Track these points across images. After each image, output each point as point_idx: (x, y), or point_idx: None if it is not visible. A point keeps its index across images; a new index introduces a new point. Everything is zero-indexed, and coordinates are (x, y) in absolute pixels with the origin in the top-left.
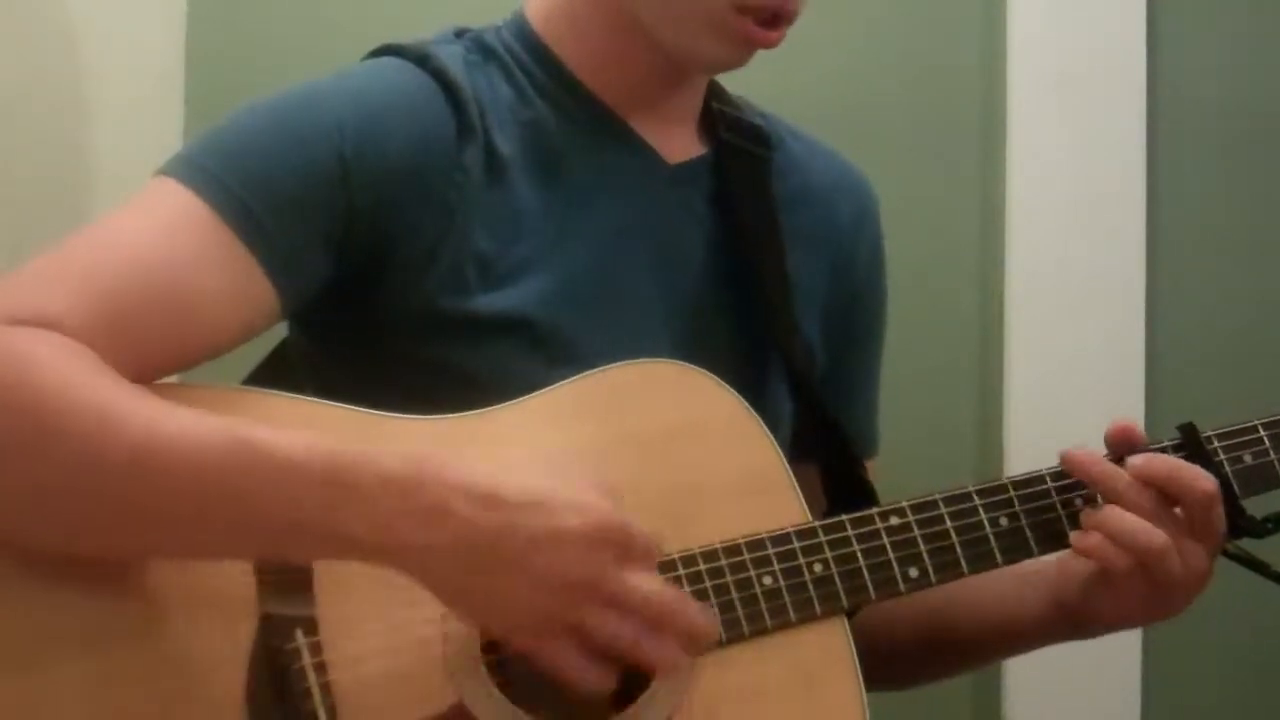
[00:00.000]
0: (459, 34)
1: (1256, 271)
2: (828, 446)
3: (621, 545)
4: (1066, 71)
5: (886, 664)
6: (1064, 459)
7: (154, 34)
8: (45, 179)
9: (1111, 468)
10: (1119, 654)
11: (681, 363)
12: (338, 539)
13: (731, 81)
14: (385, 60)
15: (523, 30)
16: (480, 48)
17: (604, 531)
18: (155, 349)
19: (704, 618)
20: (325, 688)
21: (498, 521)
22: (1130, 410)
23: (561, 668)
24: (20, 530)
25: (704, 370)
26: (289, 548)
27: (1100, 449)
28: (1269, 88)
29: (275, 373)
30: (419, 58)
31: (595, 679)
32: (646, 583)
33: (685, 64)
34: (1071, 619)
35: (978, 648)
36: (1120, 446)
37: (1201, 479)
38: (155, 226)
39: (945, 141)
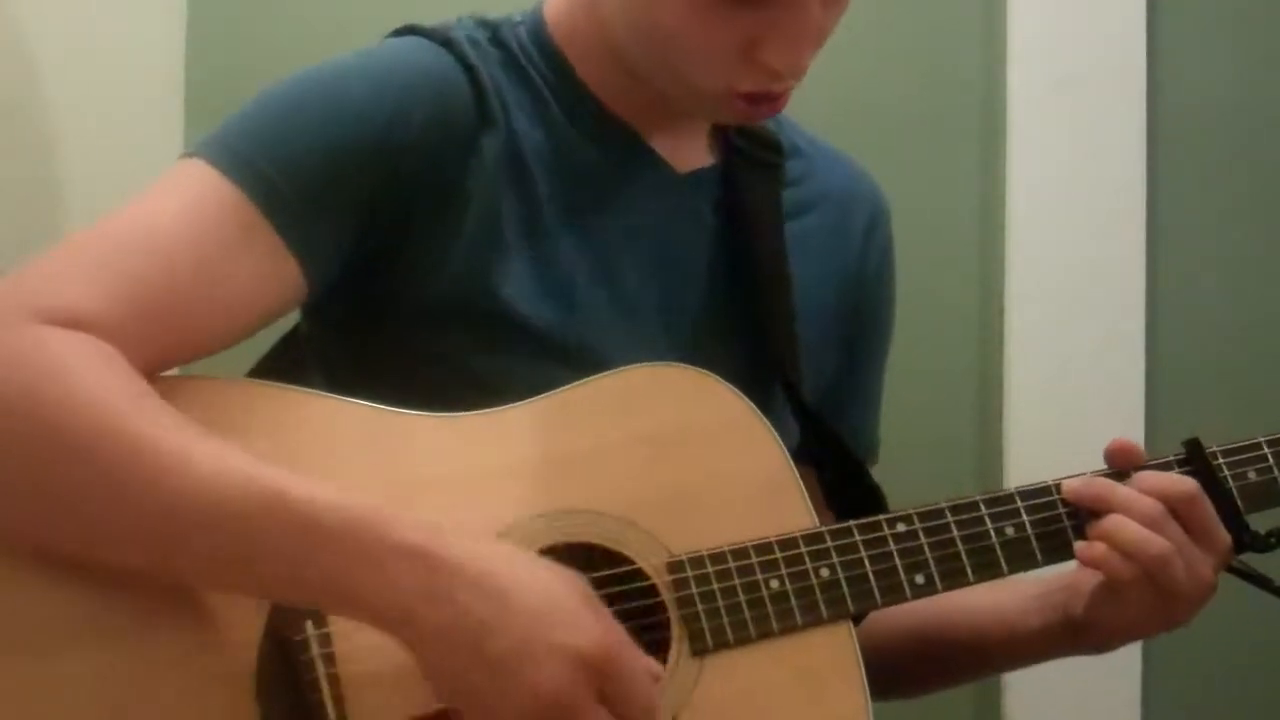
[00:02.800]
0: (478, 25)
1: (1257, 272)
2: (827, 455)
3: (609, 678)
4: (1067, 73)
5: (885, 677)
6: (1066, 494)
7: (154, 34)
8: (46, 179)
9: (1105, 482)
10: (1119, 655)
11: (691, 367)
12: (347, 600)
13: None
14: (409, 40)
15: (539, 32)
16: (498, 42)
17: (599, 661)
18: (184, 334)
19: None
20: (333, 679)
21: (499, 620)
22: (1130, 411)
23: None
24: (31, 535)
25: (712, 374)
26: (295, 597)
27: (1101, 452)
28: (1269, 89)
29: (283, 361)
30: (444, 40)
31: None
32: None
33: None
34: (1077, 631)
35: (978, 660)
36: (1119, 463)
37: (1176, 480)
38: (183, 208)
39: (945, 142)
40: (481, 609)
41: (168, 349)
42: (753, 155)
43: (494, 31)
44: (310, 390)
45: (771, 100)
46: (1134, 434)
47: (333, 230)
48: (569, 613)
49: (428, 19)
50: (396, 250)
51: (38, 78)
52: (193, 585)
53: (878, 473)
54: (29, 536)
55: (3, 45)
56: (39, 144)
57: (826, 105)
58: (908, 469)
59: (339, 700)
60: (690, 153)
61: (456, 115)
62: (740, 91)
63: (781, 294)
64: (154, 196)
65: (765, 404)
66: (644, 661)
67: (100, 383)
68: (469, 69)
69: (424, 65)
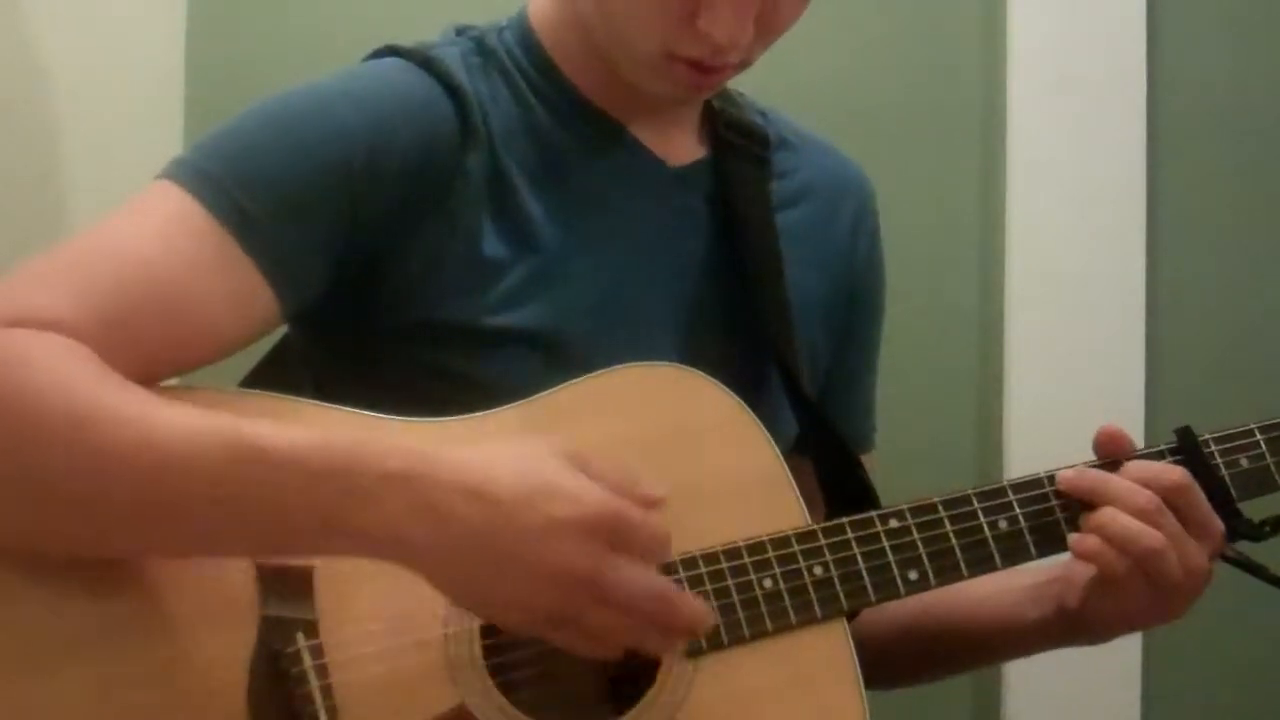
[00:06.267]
0: (460, 34)
1: (1257, 271)
2: (823, 447)
3: (618, 534)
4: (1066, 72)
5: (879, 668)
6: (1060, 485)
7: (154, 34)
8: (45, 179)
9: (1099, 474)
10: (1119, 654)
11: (681, 365)
12: (342, 535)
13: (731, 80)
14: (389, 62)
15: (524, 34)
16: (482, 50)
17: (599, 521)
18: (153, 354)
19: (700, 609)
20: (326, 690)
21: (493, 517)
22: (1130, 410)
23: (568, 649)
24: (15, 532)
25: (703, 373)
26: (290, 545)
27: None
28: (1269, 88)
29: (275, 371)
30: (423, 60)
31: (601, 655)
32: (641, 577)
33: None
34: (1072, 623)
35: (973, 650)
36: (1108, 452)
37: (1168, 470)
38: (154, 231)
39: (945, 141)
40: (474, 513)
41: (137, 368)
42: (741, 148)
43: (478, 41)
44: (296, 399)
45: (713, 72)
46: (1134, 433)
47: (310, 256)
48: (556, 487)
49: (424, 19)
50: (382, 271)
51: (37, 77)
52: (188, 555)
53: (878, 473)
54: (18, 534)
55: (3, 44)
56: (39, 143)
57: (827, 105)
58: (908, 469)
59: (333, 711)
60: (680, 147)
61: (440, 138)
62: (680, 56)
63: (776, 284)
64: (126, 218)
65: (763, 395)
66: (641, 498)
67: (68, 367)
68: (452, 89)
69: (405, 89)
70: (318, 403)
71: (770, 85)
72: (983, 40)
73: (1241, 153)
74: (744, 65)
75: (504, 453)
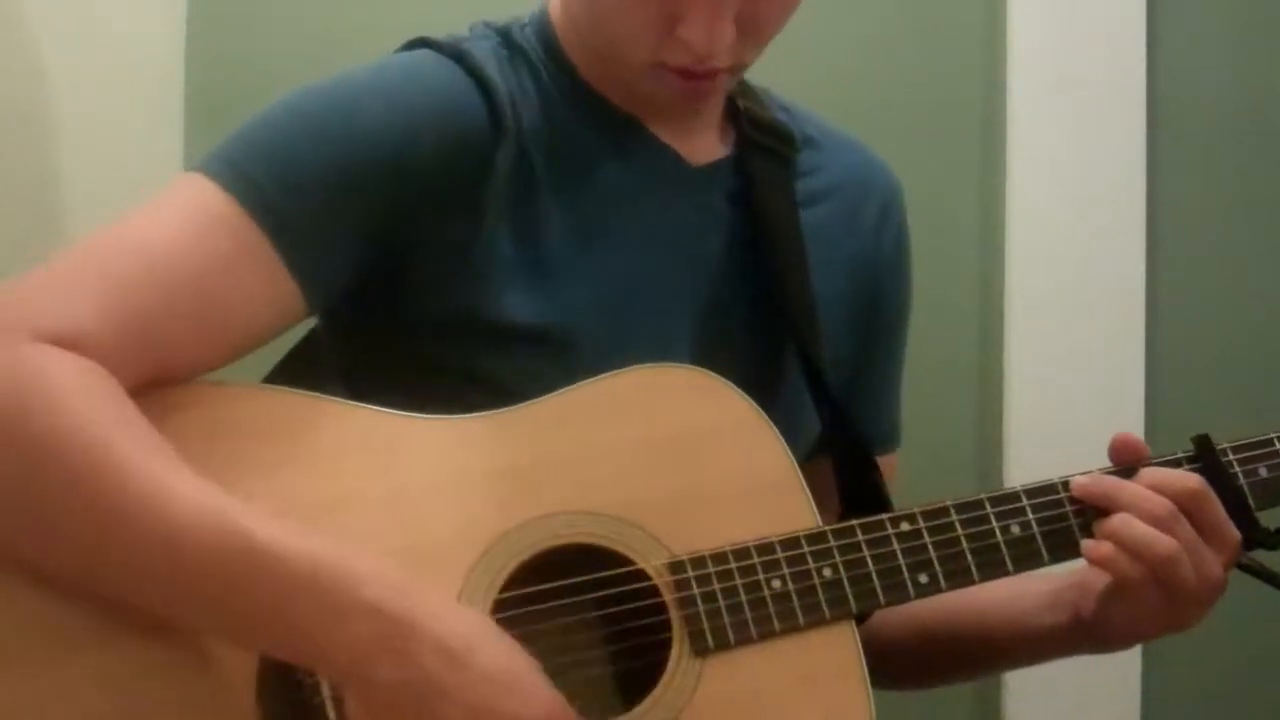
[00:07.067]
0: (490, 30)
1: (1256, 271)
2: (842, 447)
3: None
4: (1066, 72)
5: (890, 671)
6: (1074, 491)
7: (154, 33)
8: (46, 179)
9: (1114, 480)
10: (1119, 655)
11: (694, 367)
12: (306, 652)
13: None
14: (422, 55)
15: (544, 31)
16: (509, 44)
17: None
18: (181, 351)
19: None
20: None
21: (452, 680)
22: (1131, 411)
23: None
24: (19, 554)
25: (716, 375)
26: (257, 644)
27: (1101, 451)
28: (1269, 88)
29: (303, 363)
30: (456, 54)
31: None
32: None
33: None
34: (1086, 630)
35: (984, 654)
36: (1123, 459)
37: (1184, 477)
38: (183, 224)
39: (945, 142)
40: (438, 670)
41: (162, 366)
42: (766, 146)
43: (505, 35)
44: (312, 394)
45: (702, 79)
46: (1134, 433)
47: (336, 252)
48: (521, 682)
49: (426, 20)
50: (406, 266)
51: (38, 77)
52: (171, 619)
53: (899, 472)
54: (17, 555)
55: (3, 45)
56: (39, 144)
57: (827, 104)
58: (908, 468)
59: (339, 701)
60: (703, 145)
61: (470, 134)
62: (669, 66)
63: (800, 283)
64: (156, 210)
65: (785, 395)
66: None
67: (90, 412)
68: (484, 84)
69: (437, 83)
70: (329, 397)
71: (770, 84)
72: (983, 40)
73: (1241, 153)
74: (737, 69)
75: (489, 629)
